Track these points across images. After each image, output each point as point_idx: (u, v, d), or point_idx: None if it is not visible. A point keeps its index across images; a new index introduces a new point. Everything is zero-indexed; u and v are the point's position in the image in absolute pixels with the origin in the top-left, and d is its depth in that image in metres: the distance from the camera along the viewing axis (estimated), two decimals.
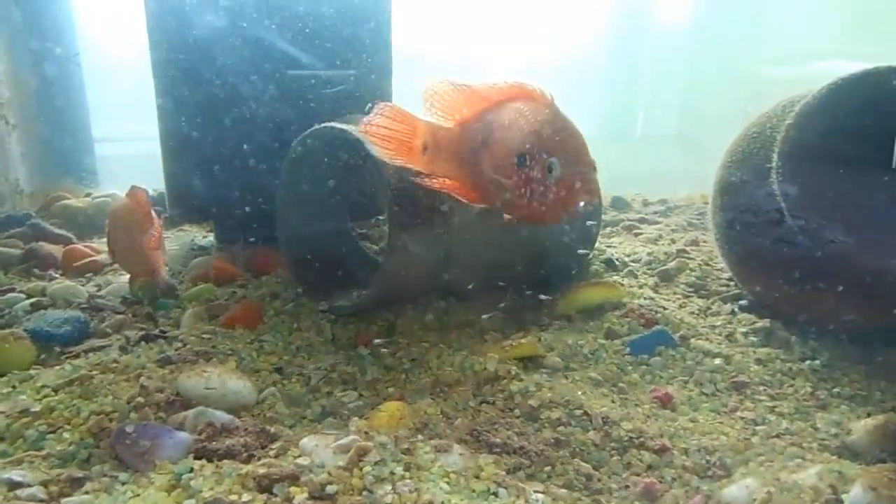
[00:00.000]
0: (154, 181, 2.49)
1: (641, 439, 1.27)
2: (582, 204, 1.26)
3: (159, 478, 1.06)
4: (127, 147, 3.50)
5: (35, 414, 1.25)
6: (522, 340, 1.61)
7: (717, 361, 1.59)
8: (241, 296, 1.91)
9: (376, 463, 1.08)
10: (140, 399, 1.30)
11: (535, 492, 1.09)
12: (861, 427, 1.31)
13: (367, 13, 2.30)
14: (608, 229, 2.88)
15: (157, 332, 1.68)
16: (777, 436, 1.32)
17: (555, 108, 1.32)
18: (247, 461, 1.14)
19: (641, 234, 2.78)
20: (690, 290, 2.08)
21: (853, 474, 1.12)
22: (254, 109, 2.18)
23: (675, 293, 2.05)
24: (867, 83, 1.64)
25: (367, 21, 2.30)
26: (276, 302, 1.86)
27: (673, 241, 2.59)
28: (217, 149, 2.19)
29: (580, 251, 2.05)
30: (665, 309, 1.83)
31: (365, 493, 1.02)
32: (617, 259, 2.26)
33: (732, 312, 1.87)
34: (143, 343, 1.62)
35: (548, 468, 1.19)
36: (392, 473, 1.07)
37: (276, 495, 1.01)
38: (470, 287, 1.84)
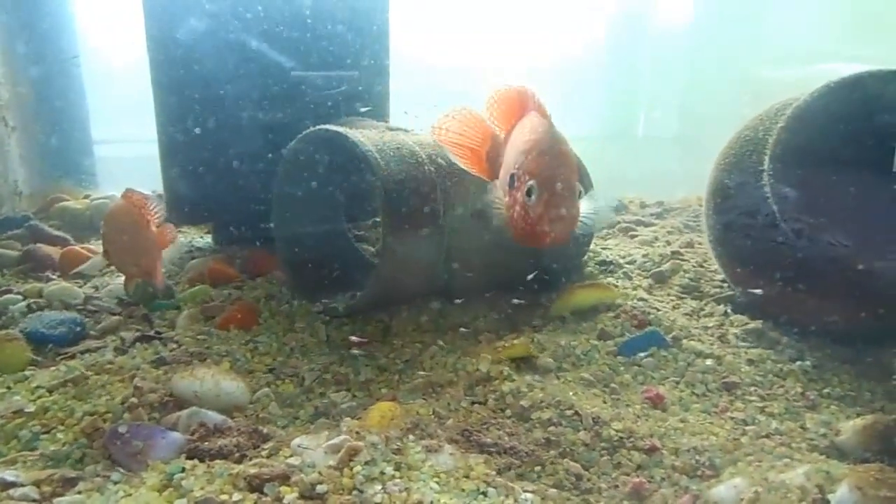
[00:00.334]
0: (153, 183, 2.50)
1: (631, 439, 1.28)
2: (572, 231, 1.22)
3: (151, 477, 1.07)
4: (126, 149, 3.51)
5: (29, 414, 1.27)
6: (515, 341, 1.62)
7: (709, 362, 1.60)
8: (237, 297, 1.92)
9: (367, 463, 1.09)
10: (134, 400, 1.31)
11: (525, 491, 1.10)
12: (850, 427, 1.32)
13: (365, 16, 2.31)
14: (604, 231, 2.89)
15: (152, 333, 1.69)
16: (766, 436, 1.33)
17: (550, 126, 1.28)
18: (239, 461, 1.15)
19: (637, 235, 2.79)
20: (684, 291, 2.09)
21: (840, 474, 1.13)
22: (251, 112, 2.20)
23: (668, 295, 2.06)
24: (858, 87, 1.65)
25: (364, 24, 2.31)
26: (271, 303, 1.87)
27: (668, 243, 2.60)
28: (214, 151, 2.20)
29: (574, 254, 2.06)
30: (658, 310, 1.84)
31: (355, 492, 1.03)
32: (612, 261, 2.27)
33: (725, 314, 1.88)
34: (138, 344, 1.63)
35: (538, 468, 1.20)
36: (382, 473, 1.08)
37: (266, 495, 1.02)
38: (464, 288, 1.85)
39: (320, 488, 1.02)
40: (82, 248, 2.33)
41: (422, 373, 1.55)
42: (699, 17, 4.78)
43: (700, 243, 2.52)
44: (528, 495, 1.08)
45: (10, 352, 1.52)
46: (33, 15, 3.05)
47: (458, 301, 1.88)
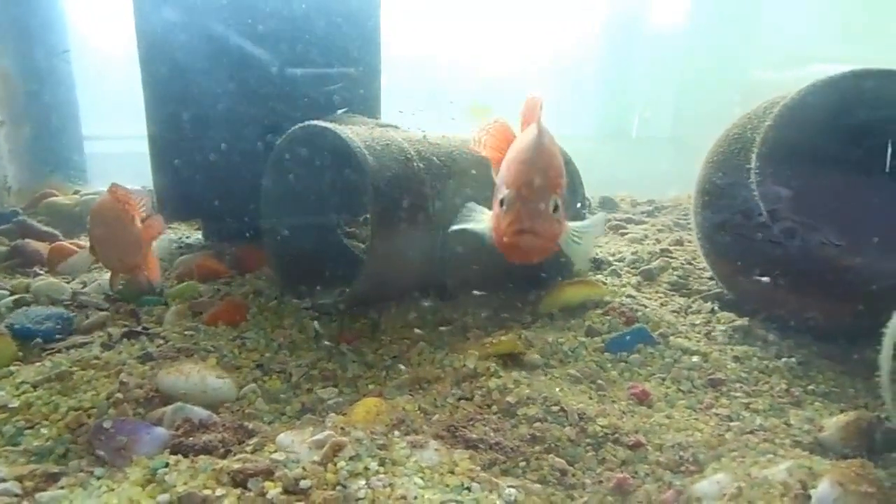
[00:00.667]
0: (142, 179, 2.49)
1: (616, 435, 1.29)
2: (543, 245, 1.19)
3: (134, 472, 1.07)
4: (116, 145, 3.50)
5: (13, 410, 1.26)
6: (503, 338, 1.62)
7: (695, 359, 1.61)
8: (225, 293, 1.91)
9: (351, 458, 1.09)
10: (119, 395, 1.31)
11: (509, 486, 1.10)
12: (833, 423, 1.33)
13: (357, 13, 2.31)
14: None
15: (139, 328, 1.68)
16: (751, 432, 1.33)
17: (539, 137, 1.26)
18: (223, 457, 1.15)
19: (627, 233, 2.80)
20: (672, 288, 2.10)
21: (822, 470, 1.13)
22: (241, 108, 2.19)
23: (656, 292, 2.07)
24: (845, 86, 1.66)
25: (356, 21, 2.30)
26: (259, 299, 1.87)
27: (658, 241, 2.61)
28: (204, 147, 2.19)
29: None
30: (646, 307, 1.84)
31: (339, 487, 1.03)
32: (601, 258, 2.28)
33: (712, 311, 1.89)
34: (125, 340, 1.62)
35: (523, 463, 1.20)
36: (366, 468, 1.08)
37: (249, 490, 1.02)
38: (453, 285, 1.85)
39: (304, 483, 1.02)
40: (71, 243, 2.32)
41: (402, 367, 1.55)
42: (693, 19, 4.80)
43: (690, 241, 2.53)
44: (512, 490, 1.08)
45: None
46: (23, 10, 3.03)
47: (446, 298, 1.88)
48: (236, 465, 1.05)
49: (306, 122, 1.79)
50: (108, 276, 1.90)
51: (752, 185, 1.69)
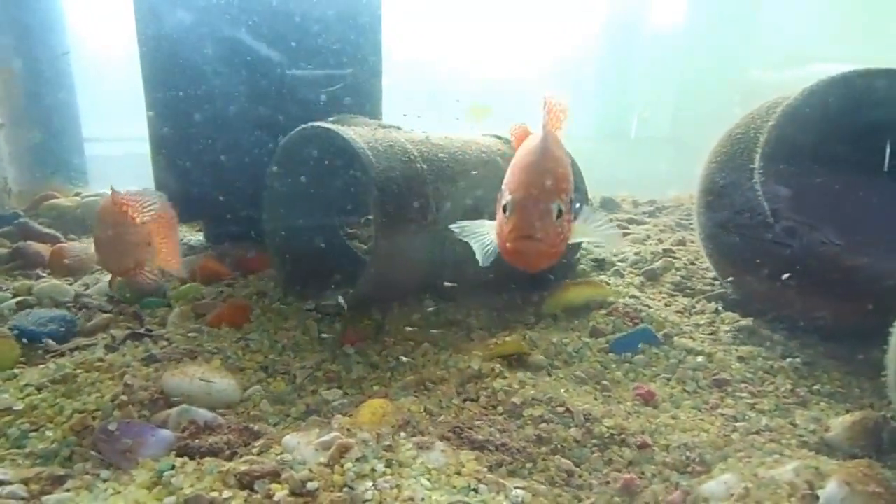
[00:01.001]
0: (144, 181, 2.48)
1: (623, 436, 1.28)
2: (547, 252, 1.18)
3: (141, 475, 1.07)
4: (118, 147, 3.49)
5: (17, 412, 1.26)
6: (507, 339, 1.62)
7: (700, 359, 1.61)
8: (228, 295, 1.91)
9: (357, 459, 1.09)
10: (124, 397, 1.31)
11: (516, 488, 1.10)
12: (839, 423, 1.33)
13: (357, 14, 2.31)
14: None
15: (143, 330, 1.68)
16: (756, 432, 1.33)
17: (544, 143, 1.26)
18: (229, 458, 1.15)
19: (630, 234, 2.79)
20: (675, 289, 2.10)
21: (829, 470, 1.13)
22: (243, 109, 2.19)
23: (660, 292, 2.07)
24: (848, 85, 1.66)
25: (357, 24, 2.30)
26: (263, 301, 1.87)
27: (660, 241, 2.61)
28: (206, 148, 2.19)
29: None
30: (650, 308, 1.84)
31: (346, 489, 1.03)
32: (604, 259, 2.28)
33: (716, 311, 1.89)
34: (128, 342, 1.62)
35: (529, 465, 1.20)
36: (373, 470, 1.08)
37: (256, 492, 1.02)
38: (457, 286, 1.85)
39: (311, 485, 1.02)
40: (72, 245, 2.31)
41: (407, 368, 1.55)
42: (692, 20, 4.80)
43: (692, 241, 2.53)
44: (520, 492, 1.08)
45: None
46: (23, 11, 3.02)
47: (450, 299, 1.88)
48: (243, 467, 1.05)
49: (309, 124, 1.79)
50: (109, 278, 1.90)
51: (756, 185, 1.69)
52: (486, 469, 1.14)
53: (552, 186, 1.19)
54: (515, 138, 1.45)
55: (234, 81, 2.17)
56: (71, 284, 2.01)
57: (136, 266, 1.59)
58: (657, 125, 4.86)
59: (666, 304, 1.96)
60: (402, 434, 1.22)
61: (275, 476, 1.04)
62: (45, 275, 2.10)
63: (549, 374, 1.54)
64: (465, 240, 1.36)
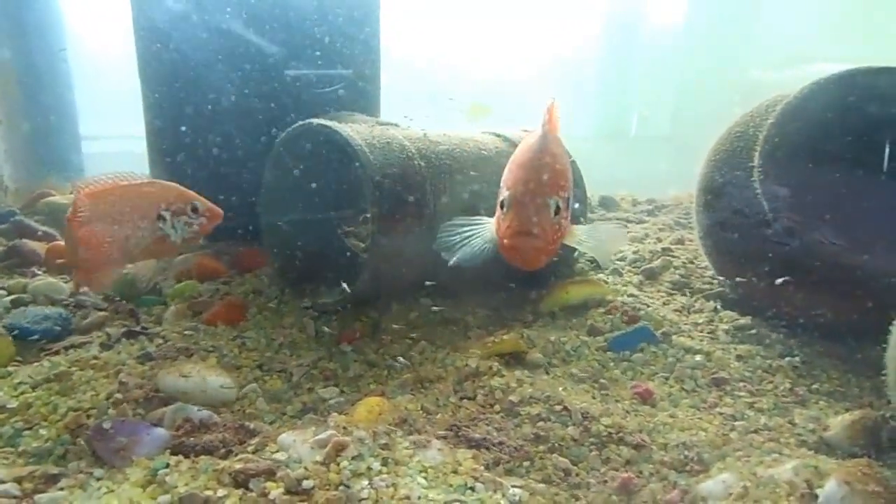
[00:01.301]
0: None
1: (620, 434, 1.28)
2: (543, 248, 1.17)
3: (135, 473, 1.06)
4: (115, 145, 3.48)
5: (11, 410, 1.25)
6: (505, 337, 1.61)
7: (698, 358, 1.60)
8: (225, 293, 1.90)
9: (354, 458, 1.08)
10: (119, 395, 1.30)
11: (513, 486, 1.09)
12: (838, 422, 1.32)
13: (356, 12, 2.30)
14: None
15: (138, 328, 1.67)
16: (755, 431, 1.33)
17: (543, 140, 1.25)
18: (224, 457, 1.14)
19: (628, 232, 2.78)
20: (674, 287, 2.09)
21: (829, 469, 1.12)
22: (240, 106, 2.18)
23: (658, 291, 2.06)
24: (847, 83, 1.65)
25: (355, 20, 2.29)
26: (259, 299, 1.86)
27: (659, 240, 2.60)
28: (203, 146, 2.18)
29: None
30: (648, 306, 1.84)
31: (342, 487, 1.02)
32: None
33: (715, 310, 1.88)
34: (124, 340, 1.61)
35: (526, 463, 1.19)
36: (369, 468, 1.07)
37: (251, 490, 1.01)
38: (455, 284, 1.84)
39: (307, 483, 1.01)
40: None
41: (404, 367, 1.54)
42: (691, 19, 4.80)
43: (691, 240, 2.52)
44: (517, 490, 1.07)
45: None
46: (20, 9, 3.01)
47: (448, 297, 1.87)
48: (238, 466, 1.04)
49: (306, 120, 1.78)
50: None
51: (755, 183, 1.68)
52: (482, 467, 1.13)
53: (550, 183, 1.18)
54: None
55: (230, 81, 2.16)
56: (66, 282, 2.00)
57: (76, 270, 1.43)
58: (657, 125, 4.86)
59: (664, 303, 1.95)
60: (399, 432, 1.21)
61: (270, 474, 1.03)
62: (40, 273, 2.09)
63: (547, 373, 1.54)
64: (454, 243, 1.35)
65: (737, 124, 1.90)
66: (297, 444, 1.13)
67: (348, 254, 2.08)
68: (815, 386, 1.53)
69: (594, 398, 1.44)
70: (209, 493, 0.99)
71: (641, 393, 1.46)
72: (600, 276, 2.12)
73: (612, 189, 3.56)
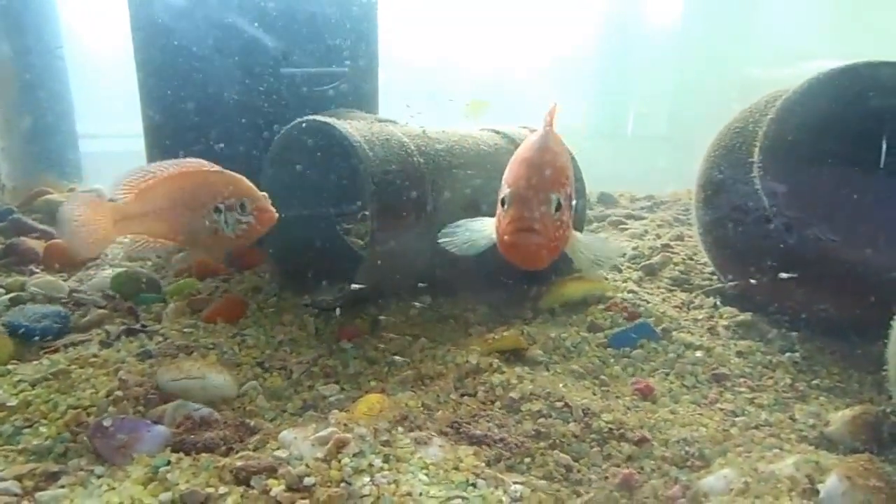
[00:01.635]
0: None
1: (621, 431, 1.28)
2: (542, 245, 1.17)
3: (136, 471, 1.06)
4: (111, 143, 3.47)
5: (11, 408, 1.24)
6: (505, 333, 1.61)
7: (699, 354, 1.60)
8: (224, 290, 1.89)
9: (355, 455, 1.08)
10: (119, 393, 1.29)
11: (515, 483, 1.09)
12: (839, 418, 1.33)
13: (354, 10, 2.30)
14: (595, 225, 2.89)
15: (137, 326, 1.67)
16: (756, 427, 1.33)
17: (543, 139, 1.26)
18: (225, 454, 1.14)
19: (627, 229, 2.79)
20: (674, 283, 2.09)
21: (830, 464, 1.13)
22: (239, 106, 2.17)
23: (658, 287, 2.06)
24: (847, 78, 1.65)
25: (353, 17, 2.29)
26: (258, 296, 1.85)
27: (658, 237, 2.60)
28: (200, 141, 2.18)
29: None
30: (648, 302, 1.83)
31: (343, 484, 1.02)
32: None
33: (715, 306, 1.88)
34: (123, 337, 1.60)
35: (528, 459, 1.19)
36: (371, 465, 1.07)
37: (253, 488, 1.01)
38: (454, 280, 1.84)
39: (308, 480, 1.01)
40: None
41: (404, 363, 1.54)
42: (688, 18, 4.81)
43: (690, 236, 2.53)
44: (518, 487, 1.07)
45: None
46: (16, 7, 3.00)
47: (447, 293, 1.87)
48: (239, 463, 1.04)
49: (305, 117, 1.77)
50: (105, 272, 1.90)
51: (755, 179, 1.68)
52: (484, 464, 1.13)
53: (551, 179, 1.18)
54: None
55: (228, 79, 2.15)
56: (65, 280, 1.99)
57: None
58: (654, 123, 4.87)
59: (664, 299, 1.95)
60: (400, 429, 1.21)
61: (271, 471, 1.03)
62: (38, 271, 2.08)
63: (548, 369, 1.54)
64: (454, 244, 1.35)
65: (736, 120, 1.90)
66: (298, 441, 1.12)
67: (348, 251, 2.08)
68: (815, 381, 1.53)
69: (595, 394, 1.44)
70: (210, 490, 0.99)
71: (642, 389, 1.46)
72: (599, 272, 2.12)
73: (611, 186, 3.56)
